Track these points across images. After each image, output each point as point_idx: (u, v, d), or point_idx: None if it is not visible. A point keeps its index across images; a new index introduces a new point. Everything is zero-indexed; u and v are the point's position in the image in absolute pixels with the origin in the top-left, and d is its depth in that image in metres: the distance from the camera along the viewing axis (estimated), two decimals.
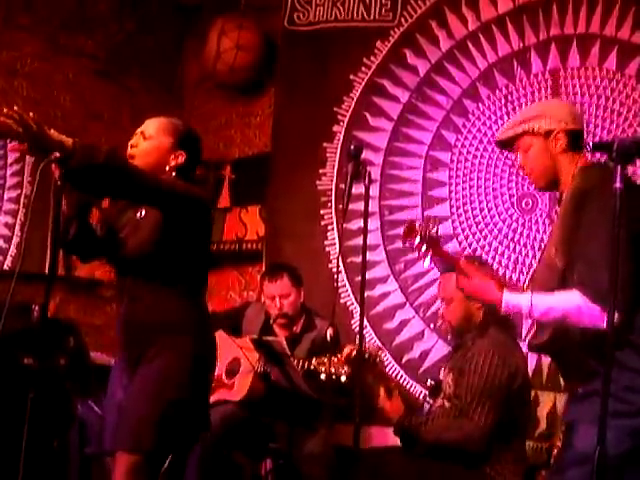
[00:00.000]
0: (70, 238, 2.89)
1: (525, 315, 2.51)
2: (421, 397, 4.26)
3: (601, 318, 2.36)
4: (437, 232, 2.70)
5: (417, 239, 2.63)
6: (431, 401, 3.71)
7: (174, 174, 2.89)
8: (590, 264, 2.39)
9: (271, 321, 4.38)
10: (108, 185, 2.59)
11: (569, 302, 2.42)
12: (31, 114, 2.46)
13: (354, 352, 3.87)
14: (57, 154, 2.49)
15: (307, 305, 4.45)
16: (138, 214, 2.91)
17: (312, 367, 3.99)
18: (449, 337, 3.91)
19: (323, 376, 3.92)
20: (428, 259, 2.70)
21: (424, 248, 2.65)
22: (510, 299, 2.52)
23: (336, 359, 3.89)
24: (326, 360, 3.92)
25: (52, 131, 2.52)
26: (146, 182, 2.69)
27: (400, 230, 4.74)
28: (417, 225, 2.66)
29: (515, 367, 3.43)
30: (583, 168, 2.56)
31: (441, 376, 3.65)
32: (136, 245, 2.87)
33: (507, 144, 2.75)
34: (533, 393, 3.95)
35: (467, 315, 3.56)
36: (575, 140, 2.61)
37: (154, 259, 2.83)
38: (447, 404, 3.52)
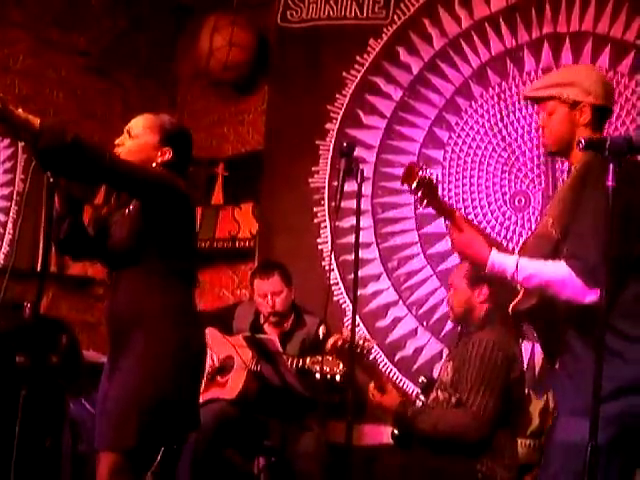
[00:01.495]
0: (62, 236, 2.88)
1: (508, 277, 2.50)
2: (414, 395, 4.26)
3: (582, 293, 2.38)
4: (435, 181, 2.66)
5: (414, 184, 2.59)
6: (423, 398, 3.71)
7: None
8: (581, 240, 2.41)
9: (262, 319, 4.38)
10: (78, 165, 2.56)
11: (554, 271, 2.44)
12: None
13: (340, 341, 3.87)
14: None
15: (296, 302, 4.45)
16: (126, 210, 2.90)
17: (306, 366, 3.99)
18: (451, 323, 3.91)
19: (318, 375, 3.92)
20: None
21: (420, 193, 2.62)
22: (497, 259, 2.52)
23: (330, 358, 3.89)
24: (321, 359, 3.92)
25: (19, 110, 2.48)
26: (117, 164, 2.67)
27: (392, 228, 4.86)
28: (416, 170, 2.61)
29: (512, 357, 3.45)
30: None
31: (435, 373, 3.65)
32: (120, 239, 2.87)
33: (534, 100, 2.74)
34: (525, 391, 3.95)
35: (468, 305, 3.58)
36: (600, 116, 2.61)
37: (136, 252, 2.81)
38: (441, 395, 3.52)
